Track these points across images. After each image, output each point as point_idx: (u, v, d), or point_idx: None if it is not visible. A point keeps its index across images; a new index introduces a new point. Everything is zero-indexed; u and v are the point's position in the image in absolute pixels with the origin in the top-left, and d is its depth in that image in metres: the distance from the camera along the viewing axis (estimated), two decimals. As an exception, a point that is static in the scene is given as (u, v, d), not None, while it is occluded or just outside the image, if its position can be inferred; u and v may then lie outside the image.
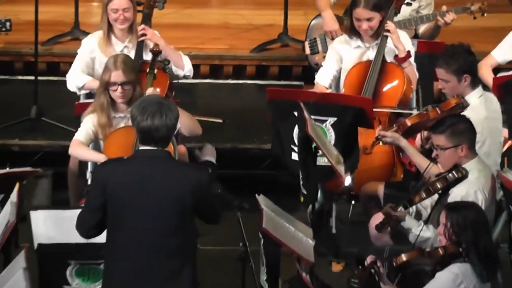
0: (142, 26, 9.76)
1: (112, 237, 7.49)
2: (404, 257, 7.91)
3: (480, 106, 9.15)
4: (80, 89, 9.77)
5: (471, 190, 8.44)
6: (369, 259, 7.90)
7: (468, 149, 8.50)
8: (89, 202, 7.69)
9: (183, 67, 9.79)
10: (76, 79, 9.77)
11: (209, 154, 7.97)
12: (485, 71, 9.71)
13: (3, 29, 10.50)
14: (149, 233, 7.51)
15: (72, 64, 9.86)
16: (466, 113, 8.91)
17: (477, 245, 7.78)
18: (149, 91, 9.19)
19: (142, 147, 7.56)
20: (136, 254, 7.52)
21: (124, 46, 9.70)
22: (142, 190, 7.52)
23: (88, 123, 9.20)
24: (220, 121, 10.29)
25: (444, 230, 7.85)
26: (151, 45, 9.66)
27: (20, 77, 11.22)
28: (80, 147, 9.22)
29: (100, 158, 9.08)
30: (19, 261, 7.95)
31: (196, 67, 10.67)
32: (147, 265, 7.59)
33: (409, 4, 10.40)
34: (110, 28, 9.68)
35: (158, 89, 9.36)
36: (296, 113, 9.31)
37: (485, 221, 8.06)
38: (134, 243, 7.47)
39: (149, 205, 7.53)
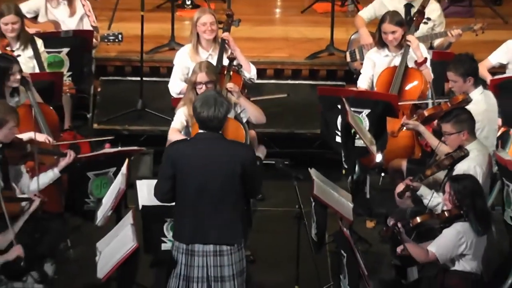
0: (226, 34, 9.76)
1: (179, 198, 7.60)
2: (418, 219, 7.97)
3: (481, 101, 9.13)
4: (178, 94, 9.74)
5: (471, 165, 8.42)
6: (390, 222, 7.92)
7: (468, 134, 8.52)
8: (162, 173, 7.70)
9: (250, 71, 9.78)
10: (175, 87, 9.84)
11: (260, 152, 7.96)
12: (482, 71, 9.66)
13: (116, 40, 10.55)
14: (207, 193, 7.55)
15: (172, 74, 9.90)
16: (470, 106, 8.90)
17: (474, 208, 7.82)
18: (229, 85, 9.22)
19: (200, 131, 7.64)
20: (198, 210, 7.58)
21: (208, 54, 9.71)
22: (200, 162, 7.60)
23: (181, 114, 9.22)
24: (285, 95, 10.44)
25: (448, 197, 7.89)
26: (228, 53, 9.69)
27: (129, 78, 11.23)
28: (175, 134, 9.21)
29: None
30: (128, 219, 8.10)
31: (263, 70, 10.75)
32: (207, 217, 7.63)
33: (425, 23, 10.35)
34: (198, 40, 9.69)
35: (236, 86, 9.32)
36: (339, 106, 9.32)
37: (480, 190, 8.07)
38: (196, 202, 7.55)
39: (206, 173, 7.58)
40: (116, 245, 8.03)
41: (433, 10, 10.57)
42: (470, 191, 7.92)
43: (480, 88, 9.22)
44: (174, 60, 10.01)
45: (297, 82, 11.38)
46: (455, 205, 7.92)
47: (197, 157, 7.65)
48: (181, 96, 9.54)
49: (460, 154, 8.46)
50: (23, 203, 8.17)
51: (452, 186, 7.95)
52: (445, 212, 7.94)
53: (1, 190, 8.15)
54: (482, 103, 9.13)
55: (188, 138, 8.74)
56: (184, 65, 9.77)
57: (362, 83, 10.06)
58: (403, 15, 10.25)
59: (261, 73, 10.38)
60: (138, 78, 10.88)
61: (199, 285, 7.75)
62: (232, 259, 7.73)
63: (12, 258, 7.87)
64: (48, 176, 8.65)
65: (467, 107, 8.88)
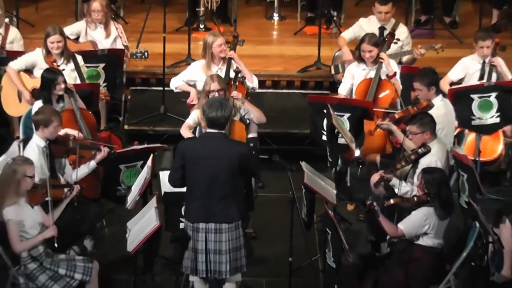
0: (232, 52, 9.71)
1: (188, 185, 7.75)
2: (391, 201, 7.93)
3: (441, 107, 9.13)
4: (175, 88, 9.80)
5: (433, 159, 8.43)
6: (368, 201, 7.86)
7: (430, 134, 8.53)
8: (174, 164, 7.85)
9: (252, 82, 9.73)
10: (176, 82, 9.82)
11: (253, 131, 7.91)
12: (443, 85, 9.62)
13: (143, 57, 10.53)
14: (211, 181, 7.64)
15: (180, 73, 9.90)
16: (432, 111, 8.90)
17: (439, 197, 7.81)
18: (234, 93, 9.18)
19: (208, 130, 7.73)
20: (203, 195, 7.68)
21: (218, 68, 9.66)
22: (206, 155, 7.66)
23: (194, 114, 9.21)
24: None
25: (420, 185, 7.86)
26: (234, 67, 9.64)
27: (153, 88, 11.20)
28: (185, 128, 9.23)
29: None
30: (152, 203, 8.14)
31: (262, 81, 10.72)
32: (210, 201, 7.68)
33: (395, 43, 10.31)
34: (211, 58, 9.65)
35: (240, 94, 9.30)
36: (325, 111, 9.29)
37: (447, 182, 8.11)
38: (201, 188, 7.65)
39: (211, 165, 7.65)
40: (143, 224, 8.05)
41: (402, 32, 10.54)
42: (438, 182, 7.92)
43: (440, 96, 9.20)
44: (188, 67, 10.00)
45: (290, 91, 11.32)
46: (424, 192, 7.90)
47: (204, 151, 7.69)
48: (178, 91, 9.75)
49: (424, 150, 8.46)
50: (66, 190, 8.16)
51: (424, 177, 7.96)
52: (415, 197, 7.95)
53: (48, 178, 8.10)
54: (442, 108, 9.10)
55: (197, 136, 8.98)
56: (194, 75, 9.74)
57: (342, 91, 10.01)
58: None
59: (261, 84, 10.32)
60: (161, 88, 10.80)
61: (201, 256, 7.77)
62: (229, 236, 7.75)
63: (49, 237, 7.86)
64: (87, 167, 8.63)
65: (430, 111, 8.85)
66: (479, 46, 9.82)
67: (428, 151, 8.49)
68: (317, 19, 11.60)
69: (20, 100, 9.92)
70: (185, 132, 9.21)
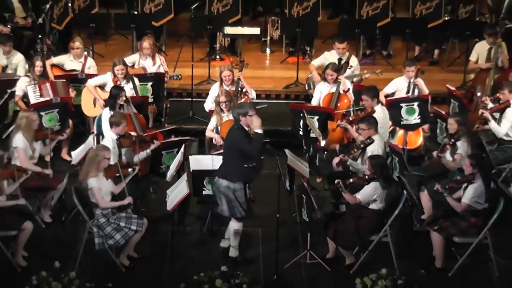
0: (240, 73, 9.71)
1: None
2: (351, 180, 7.96)
3: (381, 112, 9.18)
4: (209, 109, 9.74)
5: (375, 147, 8.52)
6: (336, 181, 7.86)
7: (374, 130, 8.51)
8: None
9: (251, 94, 9.76)
10: (208, 105, 9.85)
11: (258, 127, 7.90)
12: (381, 97, 9.60)
13: (178, 78, 10.50)
14: (225, 156, 7.95)
15: (208, 97, 9.88)
16: (375, 114, 8.94)
17: (382, 175, 7.80)
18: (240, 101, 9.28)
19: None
20: (223, 163, 7.95)
21: (229, 86, 9.66)
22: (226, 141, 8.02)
23: (213, 120, 9.26)
24: (265, 106, 10.29)
25: (368, 167, 7.82)
26: (240, 84, 9.69)
27: (185, 99, 11.10)
28: (209, 131, 9.30)
29: (216, 137, 9.26)
30: (184, 177, 8.20)
31: (259, 95, 10.72)
32: (225, 167, 7.93)
33: (349, 68, 10.31)
34: (221, 81, 9.68)
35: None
36: (301, 114, 9.29)
37: (386, 163, 8.09)
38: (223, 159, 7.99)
39: (226, 147, 7.97)
40: (177, 192, 8.05)
41: (354, 61, 10.51)
42: (381, 165, 7.93)
43: (380, 105, 9.22)
44: (210, 90, 9.95)
45: (278, 101, 11.23)
46: (371, 172, 7.88)
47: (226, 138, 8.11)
48: (212, 109, 9.55)
49: (369, 141, 8.49)
50: (130, 169, 8.21)
51: (371, 162, 7.95)
52: (366, 176, 7.92)
53: (118, 161, 8.23)
54: (381, 113, 9.15)
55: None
56: (214, 93, 9.68)
57: (314, 101, 9.98)
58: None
59: (257, 96, 10.34)
60: (190, 99, 10.76)
61: (218, 199, 7.99)
62: (233, 187, 7.86)
63: (126, 204, 7.97)
64: (145, 153, 8.68)
65: (373, 115, 8.87)
66: (406, 71, 9.84)
67: (372, 141, 8.52)
68: (296, 52, 11.56)
69: (94, 106, 9.92)
70: (209, 133, 9.34)
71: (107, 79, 9.89)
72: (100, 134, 8.99)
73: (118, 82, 9.73)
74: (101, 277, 7.74)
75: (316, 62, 10.62)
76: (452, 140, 8.59)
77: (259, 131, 7.88)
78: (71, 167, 8.96)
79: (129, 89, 9.75)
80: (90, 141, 8.87)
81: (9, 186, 7.96)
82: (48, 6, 11.24)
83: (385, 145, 8.74)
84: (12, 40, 10.46)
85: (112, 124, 8.59)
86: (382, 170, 7.96)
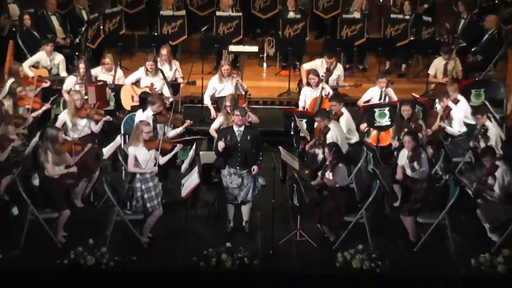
0: (245, 104, 9.57)
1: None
2: (325, 168, 7.86)
3: (346, 113, 9.18)
4: (206, 103, 9.70)
5: (333, 134, 8.64)
6: (319, 173, 7.90)
7: (327, 121, 8.71)
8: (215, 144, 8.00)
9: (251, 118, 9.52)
10: (206, 97, 9.80)
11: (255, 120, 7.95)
12: (360, 103, 9.60)
13: (193, 84, 10.40)
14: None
15: (207, 87, 9.86)
16: (343, 116, 9.06)
17: (340, 157, 7.96)
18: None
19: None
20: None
21: (225, 81, 9.69)
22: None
23: (218, 121, 9.09)
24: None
25: (328, 153, 7.93)
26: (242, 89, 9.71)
27: (196, 105, 10.95)
28: (212, 131, 9.03)
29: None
30: (195, 169, 8.19)
31: (257, 101, 10.75)
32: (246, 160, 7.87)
33: (336, 75, 10.25)
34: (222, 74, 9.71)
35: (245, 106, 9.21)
36: (292, 117, 9.25)
37: (339, 148, 8.10)
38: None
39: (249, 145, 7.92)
40: (190, 181, 8.05)
41: (339, 69, 10.41)
42: (337, 149, 7.91)
43: (344, 108, 9.21)
44: (209, 81, 9.97)
45: (273, 107, 11.12)
46: (332, 157, 7.83)
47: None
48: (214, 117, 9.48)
49: (326, 130, 8.56)
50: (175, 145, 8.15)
51: (328, 148, 7.94)
52: (331, 162, 7.87)
53: (161, 136, 8.16)
54: (346, 114, 9.12)
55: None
56: (213, 84, 9.77)
57: (300, 103, 9.89)
58: (322, 72, 10.11)
59: (256, 103, 10.33)
60: (200, 105, 10.57)
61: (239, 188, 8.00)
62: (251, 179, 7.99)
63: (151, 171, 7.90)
64: (175, 132, 8.77)
65: (342, 116, 9.02)
66: (378, 82, 9.79)
67: (328, 129, 8.56)
68: (288, 66, 11.48)
69: (133, 101, 9.81)
70: (212, 132, 9.06)
71: (140, 74, 9.79)
72: (126, 134, 8.93)
73: (149, 72, 9.71)
74: (127, 252, 7.71)
75: (306, 66, 10.49)
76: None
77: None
78: (102, 161, 8.85)
79: (160, 80, 9.67)
80: (118, 139, 8.82)
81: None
82: (83, 28, 11.22)
83: (343, 135, 8.76)
84: (54, 42, 10.50)
85: (150, 102, 8.61)
86: (339, 153, 7.90)
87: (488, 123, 8.70)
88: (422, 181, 8.03)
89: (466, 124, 9.25)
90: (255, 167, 8.04)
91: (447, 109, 9.29)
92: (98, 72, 10.29)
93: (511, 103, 9.93)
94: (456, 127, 9.25)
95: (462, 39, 11.34)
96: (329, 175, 7.93)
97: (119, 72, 10.42)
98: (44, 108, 9.43)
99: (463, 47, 11.18)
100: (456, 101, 9.35)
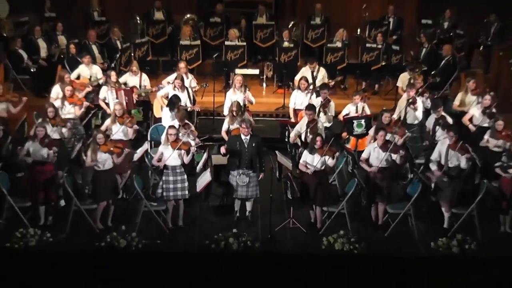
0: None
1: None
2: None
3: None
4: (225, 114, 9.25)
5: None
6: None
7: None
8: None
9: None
10: (225, 110, 9.32)
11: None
12: (340, 116, 9.39)
13: (206, 86, 10.27)
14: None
15: (225, 100, 9.53)
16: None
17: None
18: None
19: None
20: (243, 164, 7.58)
21: (238, 93, 9.51)
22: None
23: (226, 121, 8.91)
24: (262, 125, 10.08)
25: (322, 143, 7.73)
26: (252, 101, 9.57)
27: (209, 117, 10.64)
28: (223, 133, 8.77)
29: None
30: (208, 169, 7.95)
31: (257, 114, 10.56)
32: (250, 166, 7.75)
33: (319, 76, 10.17)
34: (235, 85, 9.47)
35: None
36: (286, 127, 9.17)
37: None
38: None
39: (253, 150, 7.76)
40: (203, 178, 7.98)
41: (322, 71, 10.32)
42: (333, 140, 7.88)
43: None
44: (227, 94, 9.71)
45: (271, 118, 10.94)
46: (333, 147, 7.84)
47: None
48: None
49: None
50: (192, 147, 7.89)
51: (327, 140, 7.91)
52: (333, 151, 7.74)
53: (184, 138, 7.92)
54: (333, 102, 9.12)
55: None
56: (230, 96, 9.45)
57: (291, 105, 9.57)
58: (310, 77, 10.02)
59: (257, 115, 10.23)
60: (212, 117, 10.43)
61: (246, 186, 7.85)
62: (255, 178, 7.88)
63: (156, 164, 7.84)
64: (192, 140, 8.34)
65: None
66: (353, 99, 9.61)
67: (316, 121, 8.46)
68: (283, 86, 11.38)
69: (162, 110, 9.56)
70: (224, 134, 8.75)
71: (168, 89, 9.68)
72: (152, 141, 8.88)
73: (177, 90, 9.52)
74: (152, 236, 7.69)
75: (297, 76, 10.37)
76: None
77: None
78: (133, 163, 8.72)
79: (185, 97, 9.53)
80: (145, 145, 8.79)
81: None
82: (118, 55, 11.17)
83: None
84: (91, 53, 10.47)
85: (176, 116, 8.46)
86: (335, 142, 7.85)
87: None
88: (387, 170, 7.85)
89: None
90: (261, 175, 7.99)
91: (414, 100, 9.11)
92: (127, 77, 10.13)
93: (460, 99, 9.68)
94: (420, 113, 9.11)
95: (424, 64, 11.30)
96: (332, 162, 7.77)
97: (144, 76, 10.26)
98: (85, 104, 9.23)
99: (425, 71, 11.13)
100: (421, 93, 9.24)
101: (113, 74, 9.63)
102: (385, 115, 8.69)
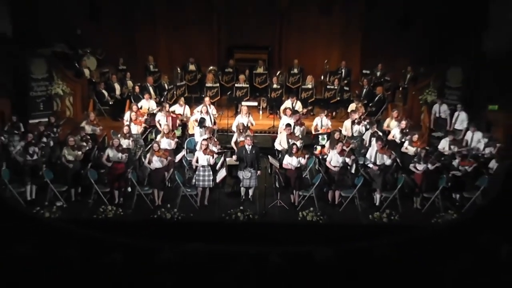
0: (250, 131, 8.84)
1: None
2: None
3: (298, 130, 8.81)
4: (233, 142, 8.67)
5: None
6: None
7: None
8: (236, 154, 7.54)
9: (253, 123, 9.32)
10: (234, 127, 8.71)
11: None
12: (313, 130, 9.24)
13: (222, 114, 10.06)
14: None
15: (233, 123, 8.99)
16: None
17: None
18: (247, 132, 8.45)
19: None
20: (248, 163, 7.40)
21: (245, 116, 9.36)
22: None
23: (235, 136, 8.79)
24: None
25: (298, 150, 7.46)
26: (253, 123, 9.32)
27: (223, 133, 10.36)
28: (233, 143, 8.38)
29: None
30: (224, 168, 7.78)
31: (256, 131, 10.25)
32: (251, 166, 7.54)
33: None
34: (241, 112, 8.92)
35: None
36: (275, 140, 9.01)
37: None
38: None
39: (255, 154, 7.51)
40: (221, 174, 7.92)
41: (298, 104, 9.67)
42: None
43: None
44: (234, 121, 9.58)
45: (265, 134, 10.71)
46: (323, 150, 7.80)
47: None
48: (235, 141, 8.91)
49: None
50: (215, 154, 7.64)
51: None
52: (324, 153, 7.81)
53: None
54: (298, 131, 8.80)
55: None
56: (237, 120, 9.30)
57: (280, 126, 9.08)
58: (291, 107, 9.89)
59: (255, 132, 10.03)
60: (226, 133, 10.21)
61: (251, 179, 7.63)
62: (255, 174, 7.65)
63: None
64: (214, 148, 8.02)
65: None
66: (319, 115, 9.46)
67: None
68: (273, 113, 11.28)
69: (193, 129, 9.52)
70: (233, 144, 8.39)
71: (198, 116, 9.59)
72: (188, 149, 8.91)
73: (204, 115, 9.41)
74: (187, 211, 7.69)
75: (283, 106, 9.82)
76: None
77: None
78: (175, 163, 8.64)
79: (209, 120, 9.40)
80: (183, 152, 8.83)
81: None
82: (165, 93, 11.29)
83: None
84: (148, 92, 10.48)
85: (203, 132, 8.31)
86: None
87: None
88: (342, 168, 7.97)
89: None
90: (259, 172, 7.96)
91: (358, 121, 9.13)
92: (176, 107, 10.20)
93: (387, 123, 9.76)
94: (362, 130, 9.13)
95: (364, 99, 11.44)
96: (304, 161, 7.63)
97: (187, 107, 10.32)
98: (143, 125, 9.37)
99: (365, 103, 11.28)
100: (364, 118, 9.23)
101: (166, 106, 9.78)
102: (336, 133, 8.78)
